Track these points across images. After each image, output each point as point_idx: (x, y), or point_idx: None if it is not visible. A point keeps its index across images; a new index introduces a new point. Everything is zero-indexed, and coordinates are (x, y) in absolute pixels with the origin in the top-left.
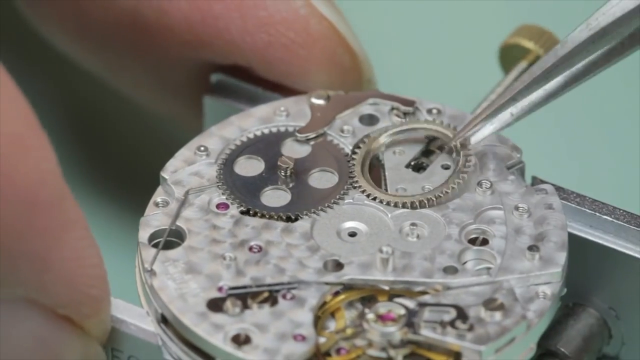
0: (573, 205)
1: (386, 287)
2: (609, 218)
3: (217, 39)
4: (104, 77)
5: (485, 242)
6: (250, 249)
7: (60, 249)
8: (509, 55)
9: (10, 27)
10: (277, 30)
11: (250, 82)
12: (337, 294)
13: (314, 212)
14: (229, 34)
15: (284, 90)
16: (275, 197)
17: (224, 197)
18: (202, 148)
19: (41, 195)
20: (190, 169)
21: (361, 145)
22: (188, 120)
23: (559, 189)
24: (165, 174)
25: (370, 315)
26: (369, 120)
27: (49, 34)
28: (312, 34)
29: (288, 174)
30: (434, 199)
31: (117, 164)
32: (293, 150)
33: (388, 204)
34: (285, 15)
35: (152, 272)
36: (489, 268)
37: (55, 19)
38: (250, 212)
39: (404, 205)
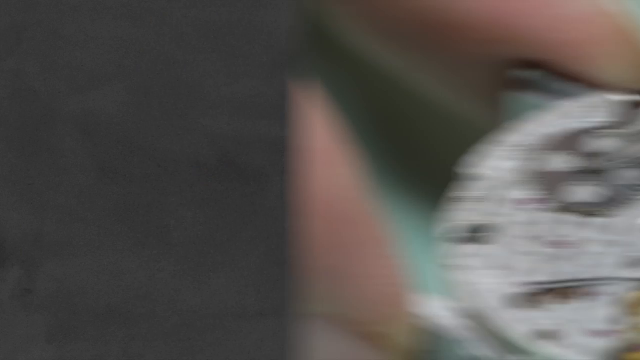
0: None
1: None
2: None
3: (515, 37)
4: (405, 78)
5: None
6: (551, 244)
7: (360, 266)
8: None
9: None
10: (572, 29)
11: (549, 77)
12: None
13: (618, 207)
14: (526, 32)
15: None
16: (581, 192)
17: (528, 192)
18: (504, 143)
19: (346, 211)
20: (492, 164)
21: None
22: (485, 118)
23: None
24: (466, 169)
25: None
26: None
27: (354, 35)
28: (606, 32)
29: (598, 169)
30: None
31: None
32: (603, 145)
33: None
34: (580, 14)
35: (452, 267)
36: None
37: (363, 19)
38: (556, 208)
39: None
